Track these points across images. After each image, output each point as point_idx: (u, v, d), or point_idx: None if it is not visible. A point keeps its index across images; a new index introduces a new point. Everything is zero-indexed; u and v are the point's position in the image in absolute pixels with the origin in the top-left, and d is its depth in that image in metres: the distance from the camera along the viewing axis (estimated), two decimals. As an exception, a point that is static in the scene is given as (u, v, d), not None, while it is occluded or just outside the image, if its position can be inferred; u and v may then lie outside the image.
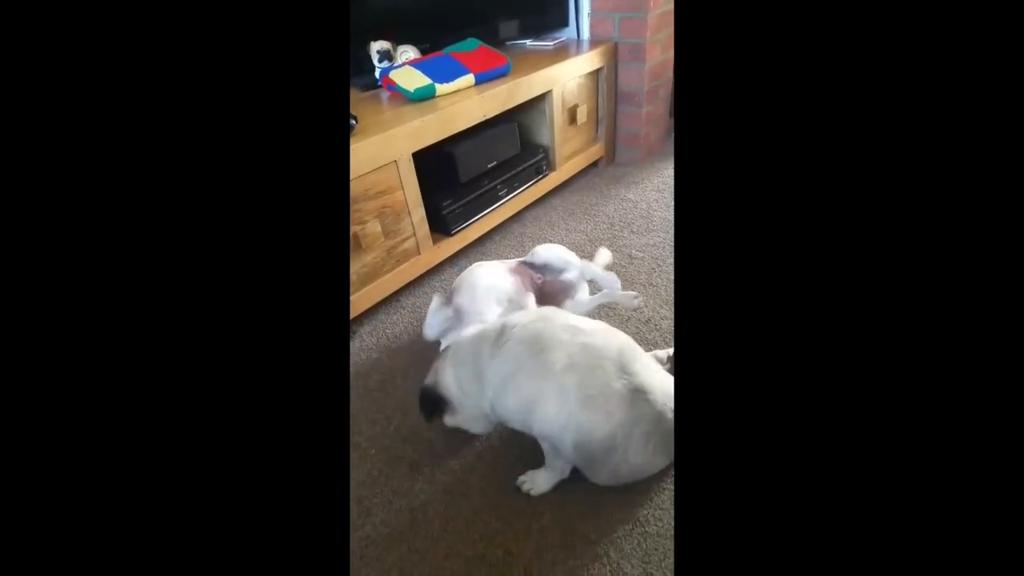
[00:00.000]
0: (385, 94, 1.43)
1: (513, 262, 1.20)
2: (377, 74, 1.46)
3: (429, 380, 0.89)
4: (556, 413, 0.75)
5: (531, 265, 1.19)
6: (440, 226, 1.42)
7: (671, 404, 0.79)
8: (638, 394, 0.76)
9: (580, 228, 1.64)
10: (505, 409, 0.81)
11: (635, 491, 0.86)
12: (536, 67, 1.55)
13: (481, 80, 1.43)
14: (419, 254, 1.38)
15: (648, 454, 0.79)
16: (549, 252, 1.19)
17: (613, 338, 0.81)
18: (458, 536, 0.84)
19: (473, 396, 0.84)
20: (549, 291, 1.16)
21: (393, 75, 1.34)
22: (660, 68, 1.89)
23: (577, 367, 0.75)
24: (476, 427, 0.91)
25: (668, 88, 2.02)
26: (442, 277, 1.48)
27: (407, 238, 1.33)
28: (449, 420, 0.90)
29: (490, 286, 1.09)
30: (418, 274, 1.41)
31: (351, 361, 1.22)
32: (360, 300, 1.26)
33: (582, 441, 0.76)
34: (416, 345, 1.24)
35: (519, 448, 0.96)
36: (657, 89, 1.93)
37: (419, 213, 1.34)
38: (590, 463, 0.80)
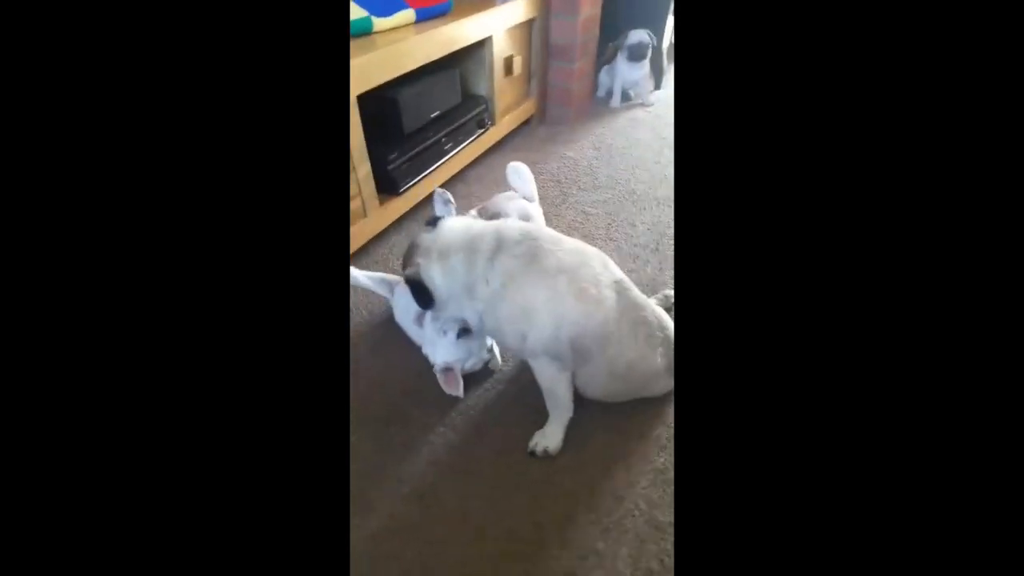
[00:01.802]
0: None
1: (474, 212, 1.11)
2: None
3: (411, 271, 0.82)
4: (551, 312, 0.76)
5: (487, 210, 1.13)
6: (386, 184, 1.26)
7: (649, 302, 0.86)
8: (621, 286, 0.81)
9: (527, 186, 1.57)
10: (497, 320, 0.80)
11: (647, 438, 0.85)
12: (470, 11, 1.42)
13: (422, 17, 1.27)
14: (365, 216, 1.22)
15: (640, 345, 0.81)
16: (504, 201, 1.17)
17: (591, 247, 0.85)
18: (479, 516, 0.76)
19: (456, 302, 0.82)
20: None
21: (319, 4, 1.13)
22: (590, 22, 1.86)
23: (566, 267, 0.77)
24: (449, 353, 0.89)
25: (595, 44, 1.99)
26: (391, 244, 1.33)
27: (352, 197, 1.16)
28: (431, 321, 0.88)
29: None
30: (367, 239, 1.24)
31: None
32: (304, 270, 1.07)
33: (577, 334, 0.77)
34: (377, 320, 1.10)
35: (519, 409, 0.90)
36: (587, 44, 1.90)
37: (364, 168, 1.17)
38: (587, 362, 0.80)
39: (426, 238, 0.83)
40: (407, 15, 1.23)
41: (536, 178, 1.61)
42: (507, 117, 1.74)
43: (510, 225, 0.83)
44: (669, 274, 1.21)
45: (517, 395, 0.94)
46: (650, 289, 1.16)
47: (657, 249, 1.29)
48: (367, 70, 1.08)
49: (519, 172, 1.22)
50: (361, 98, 1.09)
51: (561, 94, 1.95)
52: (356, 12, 1.14)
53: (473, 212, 1.16)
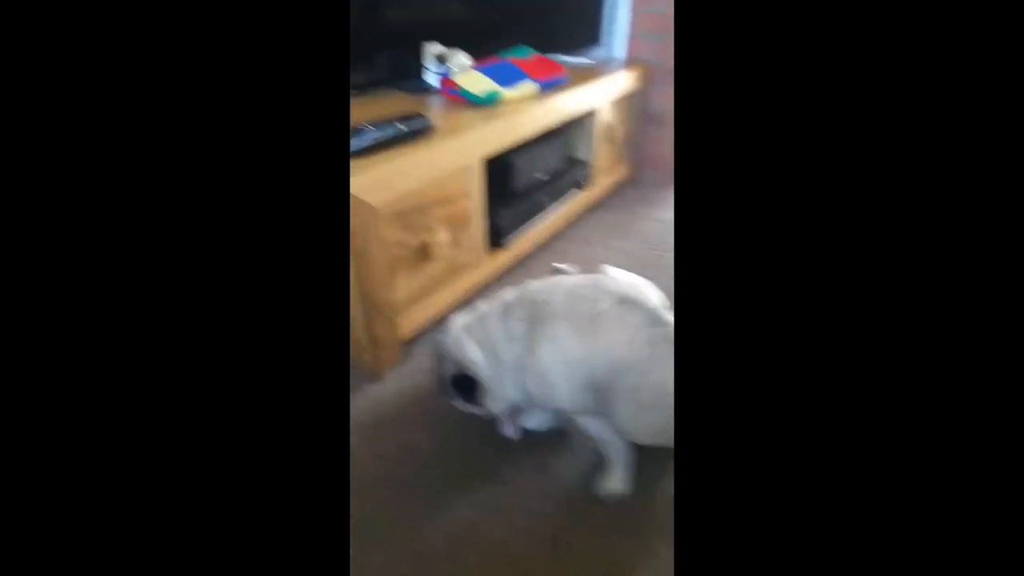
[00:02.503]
0: (440, 99, 1.33)
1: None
2: (432, 78, 1.36)
3: (450, 368, 0.80)
4: (561, 365, 0.73)
5: None
6: (495, 237, 1.33)
7: (660, 302, 0.78)
8: (627, 302, 0.74)
9: (617, 245, 1.61)
10: (531, 390, 0.77)
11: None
12: (578, 83, 1.52)
13: (543, 88, 1.37)
14: (475, 267, 1.29)
15: (660, 366, 0.70)
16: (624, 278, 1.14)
17: (587, 276, 0.83)
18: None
19: (497, 375, 0.79)
20: None
21: (456, 78, 1.25)
22: (687, 94, 1.92)
23: (559, 310, 0.75)
24: (510, 416, 0.86)
25: (689, 114, 2.05)
26: (491, 295, 1.39)
27: (468, 250, 1.24)
28: (492, 405, 0.82)
29: None
30: (472, 288, 1.31)
31: (405, 387, 1.10)
32: (417, 317, 1.14)
33: (588, 375, 0.72)
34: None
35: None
36: (682, 114, 1.96)
37: (480, 224, 1.25)
38: (607, 397, 0.74)
39: (443, 336, 0.83)
40: (530, 87, 1.34)
41: (627, 237, 1.66)
42: (604, 179, 1.80)
43: (508, 293, 0.83)
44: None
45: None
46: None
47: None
48: (493, 137, 1.18)
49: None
50: (487, 161, 1.18)
51: (655, 159, 2.00)
52: (488, 85, 1.25)
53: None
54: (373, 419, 1.01)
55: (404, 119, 1.01)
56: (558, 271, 1.13)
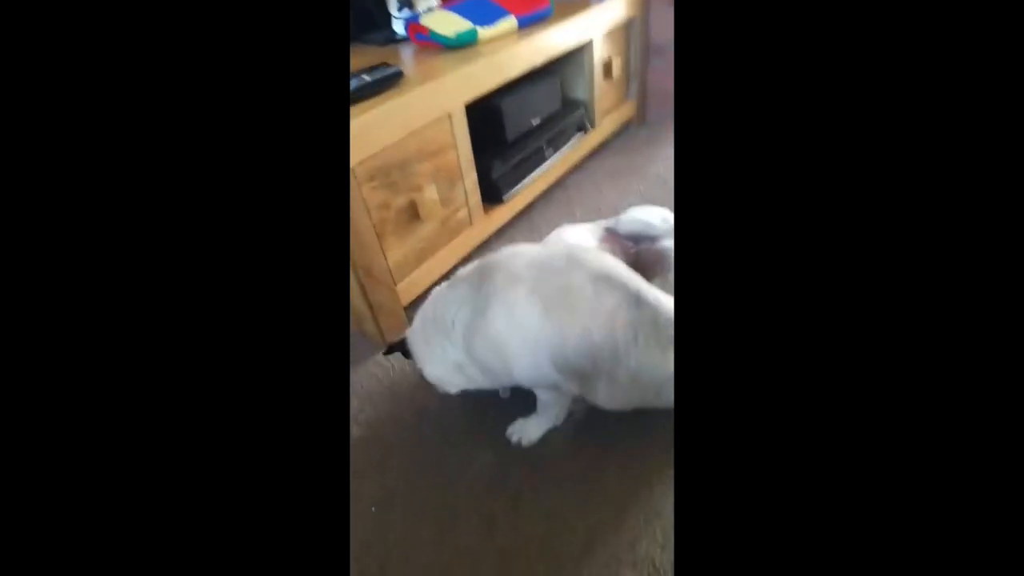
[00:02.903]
0: (411, 47, 1.25)
1: (600, 228, 1.04)
2: (398, 25, 1.27)
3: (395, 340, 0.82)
4: (520, 338, 0.64)
5: (618, 232, 1.03)
6: (491, 193, 1.25)
7: (652, 291, 0.68)
8: (606, 280, 0.65)
9: (632, 188, 1.50)
10: (482, 359, 0.70)
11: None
12: (568, 14, 1.39)
13: (524, 24, 1.27)
14: (471, 225, 1.22)
15: (640, 350, 0.64)
16: (645, 215, 1.02)
17: (559, 245, 0.76)
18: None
19: (438, 346, 0.73)
20: (643, 263, 0.96)
21: (424, 21, 1.16)
22: (691, 15, 1.76)
23: (522, 277, 0.65)
24: (454, 382, 0.77)
25: (696, 39, 1.89)
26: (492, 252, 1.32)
27: (460, 207, 1.17)
28: (427, 371, 0.78)
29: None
30: (471, 248, 1.24)
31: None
32: (418, 280, 1.09)
33: (557, 354, 0.64)
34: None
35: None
36: (687, 39, 1.80)
37: (471, 178, 1.17)
38: (583, 381, 0.68)
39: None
40: (509, 23, 1.23)
41: (643, 178, 1.55)
42: (606, 120, 1.68)
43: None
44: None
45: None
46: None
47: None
48: (472, 80, 1.09)
49: (640, 216, 1.03)
50: (469, 108, 1.10)
51: (661, 95, 1.86)
52: (461, 24, 1.15)
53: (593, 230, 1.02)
54: (386, 386, 0.97)
55: (368, 70, 0.93)
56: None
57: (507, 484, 0.78)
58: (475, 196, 1.20)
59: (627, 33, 1.67)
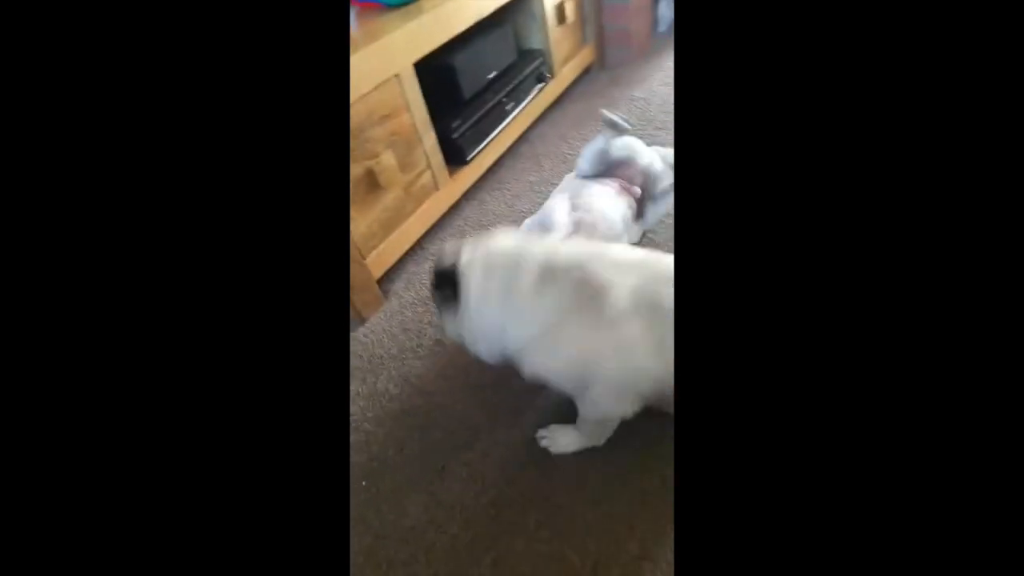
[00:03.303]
0: (353, 10, 1.19)
1: (614, 183, 0.99)
2: (338, -11, 1.21)
3: (448, 263, 0.67)
4: (620, 368, 0.59)
5: (621, 174, 1.00)
6: (454, 154, 1.23)
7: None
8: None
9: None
10: (543, 365, 0.64)
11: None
12: (514, -41, 1.33)
13: (466, -27, 1.21)
14: (437, 190, 1.19)
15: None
16: (624, 143, 1.01)
17: (658, 254, 0.65)
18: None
19: (489, 324, 0.66)
20: (646, 197, 0.99)
21: (363, -20, 1.11)
22: (641, -53, 1.70)
23: (639, 308, 0.58)
24: (478, 349, 0.72)
25: (649, -28, 1.83)
26: (464, 215, 1.30)
27: (422, 171, 1.14)
28: (450, 328, 0.71)
29: (612, 221, 0.90)
30: (440, 214, 1.22)
31: (393, 325, 1.05)
32: (388, 251, 1.07)
33: (658, 389, 0.61)
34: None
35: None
36: (640, -26, 1.74)
37: (430, 139, 1.14)
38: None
39: (477, 247, 0.67)
40: (450, -27, 1.17)
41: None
42: (566, 68, 1.64)
43: (561, 249, 0.66)
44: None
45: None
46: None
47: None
48: (418, 36, 1.05)
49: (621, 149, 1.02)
50: (418, 67, 1.06)
51: (619, 35, 1.81)
52: (400, -20, 1.10)
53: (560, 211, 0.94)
54: (368, 361, 0.97)
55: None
56: (610, 122, 1.00)
57: (500, 439, 0.80)
58: (437, 158, 1.18)
59: (576, -27, 1.61)
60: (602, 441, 0.74)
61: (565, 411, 0.80)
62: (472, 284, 0.65)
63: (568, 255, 0.64)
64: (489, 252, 0.66)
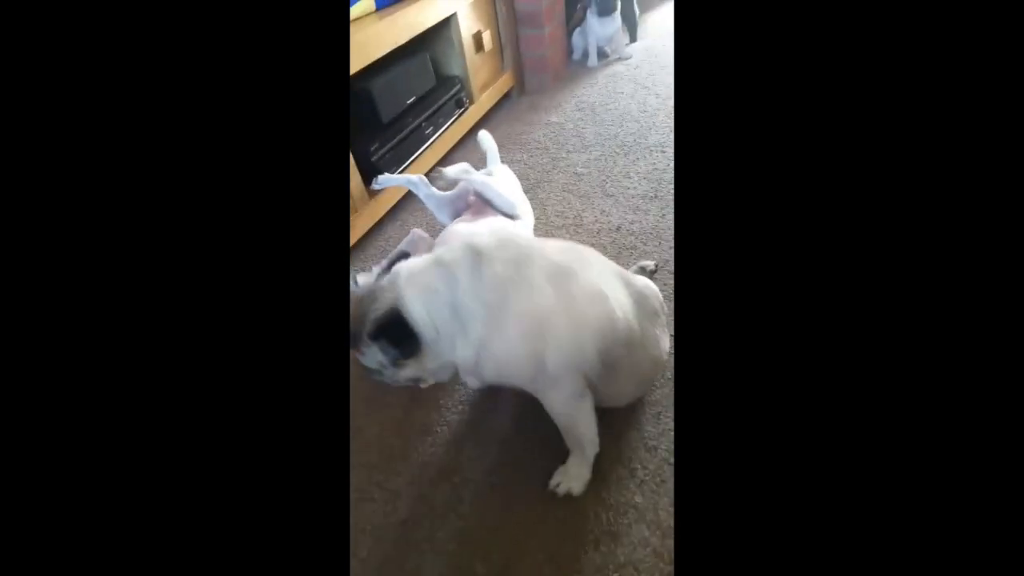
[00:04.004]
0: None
1: (468, 207, 1.09)
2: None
3: (384, 307, 0.64)
4: (568, 321, 0.62)
5: (473, 192, 1.09)
6: (372, 176, 1.24)
7: (644, 281, 0.79)
8: (624, 277, 0.72)
9: (516, 159, 1.54)
10: (505, 346, 0.63)
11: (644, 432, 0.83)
12: (430, -11, 1.39)
13: (381, 4, 1.25)
14: (356, 212, 1.21)
15: (655, 337, 0.74)
16: (455, 170, 1.15)
17: (574, 242, 0.73)
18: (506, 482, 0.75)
19: (447, 338, 0.64)
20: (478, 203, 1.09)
21: (275, 5, 1.11)
22: (553, -17, 1.81)
23: (565, 267, 0.64)
24: (439, 376, 0.71)
25: (562, 6, 1.94)
26: (386, 236, 1.32)
27: (340, 194, 1.15)
28: (405, 372, 0.67)
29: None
30: (361, 235, 1.24)
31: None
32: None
33: (606, 346, 0.64)
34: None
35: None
36: (553, 7, 1.85)
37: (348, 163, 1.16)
38: (615, 373, 0.68)
39: (382, 281, 0.66)
40: (367, 4, 1.21)
41: (523, 148, 1.60)
42: (485, 94, 1.70)
43: (476, 233, 0.70)
44: (670, 220, 1.18)
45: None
46: (654, 237, 1.13)
47: (656, 196, 1.26)
48: (333, 62, 1.06)
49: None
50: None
51: (536, 62, 1.91)
52: (313, 6, 1.12)
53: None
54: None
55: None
56: (439, 175, 1.08)
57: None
58: (355, 181, 1.19)
59: (492, 5, 1.69)
60: (596, 444, 0.72)
61: (478, 429, 0.83)
62: (417, 312, 0.63)
63: (490, 239, 0.66)
64: (415, 272, 0.65)
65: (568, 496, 0.72)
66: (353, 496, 0.77)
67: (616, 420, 0.80)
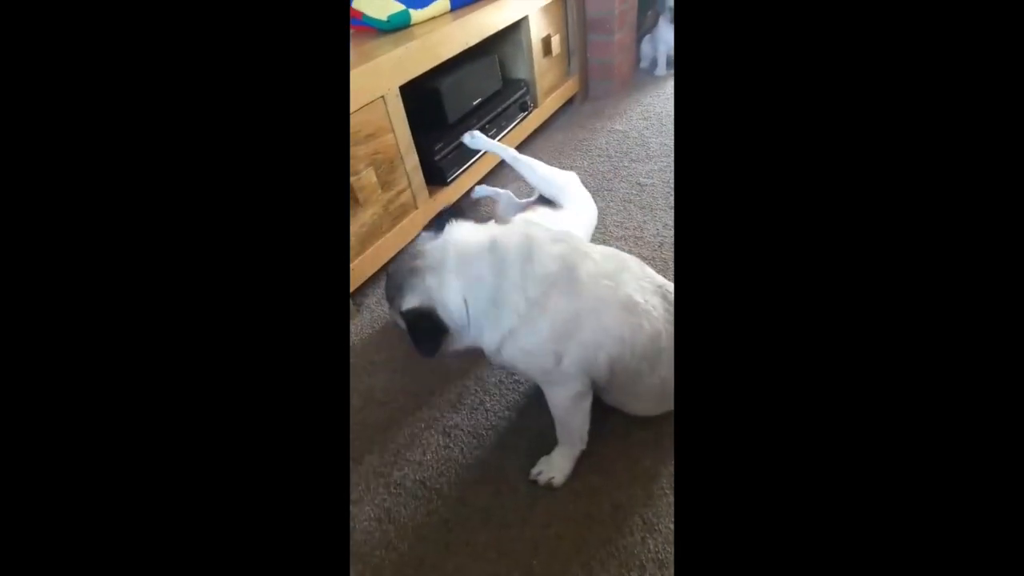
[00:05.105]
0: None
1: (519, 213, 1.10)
2: (331, 9, 1.25)
3: (414, 301, 0.65)
4: (593, 327, 0.63)
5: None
6: (435, 175, 1.26)
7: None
8: (663, 291, 0.69)
9: (576, 164, 1.53)
10: (533, 340, 0.64)
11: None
12: (503, -7, 1.39)
13: (456, 5, 1.26)
14: (416, 208, 1.22)
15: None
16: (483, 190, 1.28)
17: (622, 252, 0.72)
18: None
19: (477, 326, 0.65)
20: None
21: (358, 5, 1.15)
22: (627, -11, 1.78)
23: (606, 272, 0.65)
24: (458, 354, 0.73)
25: (634, 13, 1.91)
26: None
27: (403, 190, 1.17)
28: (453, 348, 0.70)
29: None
30: (417, 231, 1.25)
31: (360, 337, 1.06)
32: (362, 266, 1.09)
33: (620, 354, 0.64)
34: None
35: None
36: (625, 14, 1.82)
37: (412, 160, 1.17)
38: (636, 383, 0.69)
39: (432, 250, 0.67)
40: (442, 4, 1.22)
41: (584, 154, 1.58)
42: (550, 98, 1.69)
43: (535, 224, 0.69)
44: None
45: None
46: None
47: (721, 213, 1.21)
48: (407, 62, 1.08)
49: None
50: (404, 90, 1.09)
51: (603, 69, 1.88)
52: (394, 7, 1.14)
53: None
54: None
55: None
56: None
57: (476, 437, 0.82)
58: (418, 178, 1.21)
59: (563, 9, 1.68)
60: (585, 441, 0.75)
61: (520, 433, 0.82)
62: (454, 306, 0.64)
63: (546, 232, 0.68)
64: (466, 256, 0.65)
65: (549, 487, 0.74)
66: (397, 491, 0.78)
67: (664, 435, 0.77)
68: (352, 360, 1.01)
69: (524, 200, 1.19)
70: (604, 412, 0.77)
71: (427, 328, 0.65)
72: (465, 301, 0.64)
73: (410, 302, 0.65)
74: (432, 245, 0.68)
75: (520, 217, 0.95)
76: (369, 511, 0.75)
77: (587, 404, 0.72)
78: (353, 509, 0.76)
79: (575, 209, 1.07)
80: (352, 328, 1.08)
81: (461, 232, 0.68)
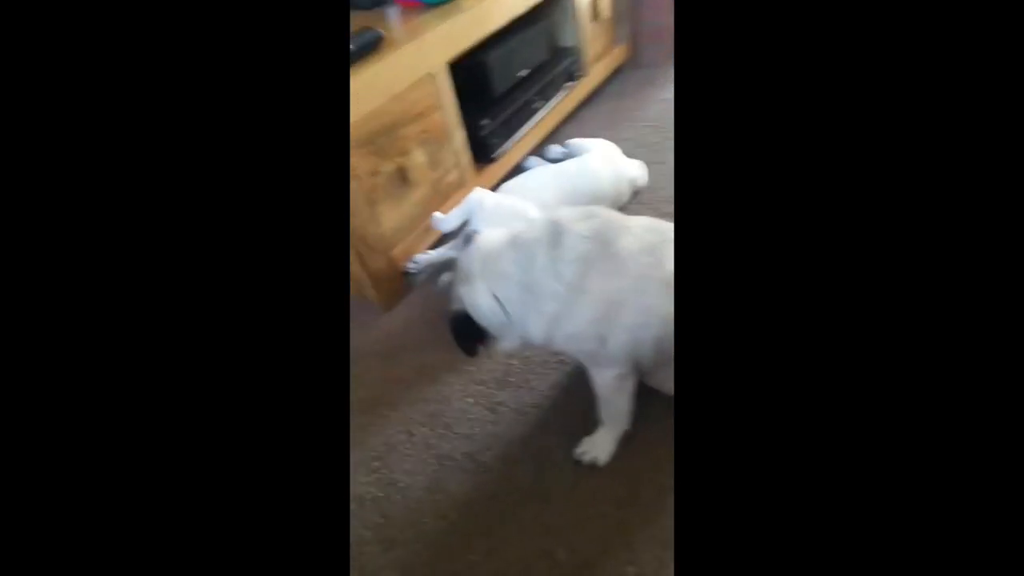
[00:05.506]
0: (395, 9, 1.21)
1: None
2: (381, -15, 1.24)
3: (453, 311, 0.71)
4: (636, 306, 0.62)
5: None
6: (481, 151, 1.26)
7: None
8: None
9: (624, 136, 1.48)
10: (576, 323, 0.65)
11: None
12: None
13: (505, -29, 1.22)
14: (464, 186, 1.23)
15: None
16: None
17: (662, 221, 0.69)
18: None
19: (519, 317, 0.67)
20: None
21: (403, -23, 1.13)
22: (685, -56, 1.66)
23: (647, 246, 0.63)
24: (510, 347, 0.76)
25: (691, -31, 1.79)
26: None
27: (451, 168, 1.18)
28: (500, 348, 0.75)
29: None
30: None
31: (415, 316, 1.10)
32: (414, 245, 1.12)
33: (666, 335, 0.62)
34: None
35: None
36: (682, -30, 1.71)
37: (459, 138, 1.17)
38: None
39: (460, 261, 0.71)
40: (489, -29, 1.19)
41: (632, 124, 1.52)
42: (598, 66, 1.63)
43: (561, 208, 0.70)
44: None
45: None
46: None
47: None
48: (454, 35, 1.07)
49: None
50: (451, 65, 1.09)
51: (655, 32, 1.78)
52: (440, -22, 1.12)
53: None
54: (387, 347, 1.03)
55: (350, 36, 0.93)
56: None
57: (507, 435, 0.85)
58: (465, 156, 1.21)
59: (616, -32, 1.60)
60: (628, 422, 0.76)
61: (564, 412, 0.84)
62: (486, 307, 0.68)
63: (571, 212, 0.68)
64: (489, 256, 0.69)
65: (593, 465, 0.76)
66: (447, 463, 0.82)
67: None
68: (404, 338, 1.05)
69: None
70: (647, 394, 0.77)
71: (462, 331, 0.72)
72: (497, 299, 0.68)
73: (450, 311, 0.72)
74: (460, 256, 0.73)
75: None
76: (421, 480, 0.80)
77: (631, 385, 0.73)
78: (407, 479, 0.81)
79: (597, 153, 1.17)
80: (405, 305, 1.12)
81: (486, 238, 0.72)
